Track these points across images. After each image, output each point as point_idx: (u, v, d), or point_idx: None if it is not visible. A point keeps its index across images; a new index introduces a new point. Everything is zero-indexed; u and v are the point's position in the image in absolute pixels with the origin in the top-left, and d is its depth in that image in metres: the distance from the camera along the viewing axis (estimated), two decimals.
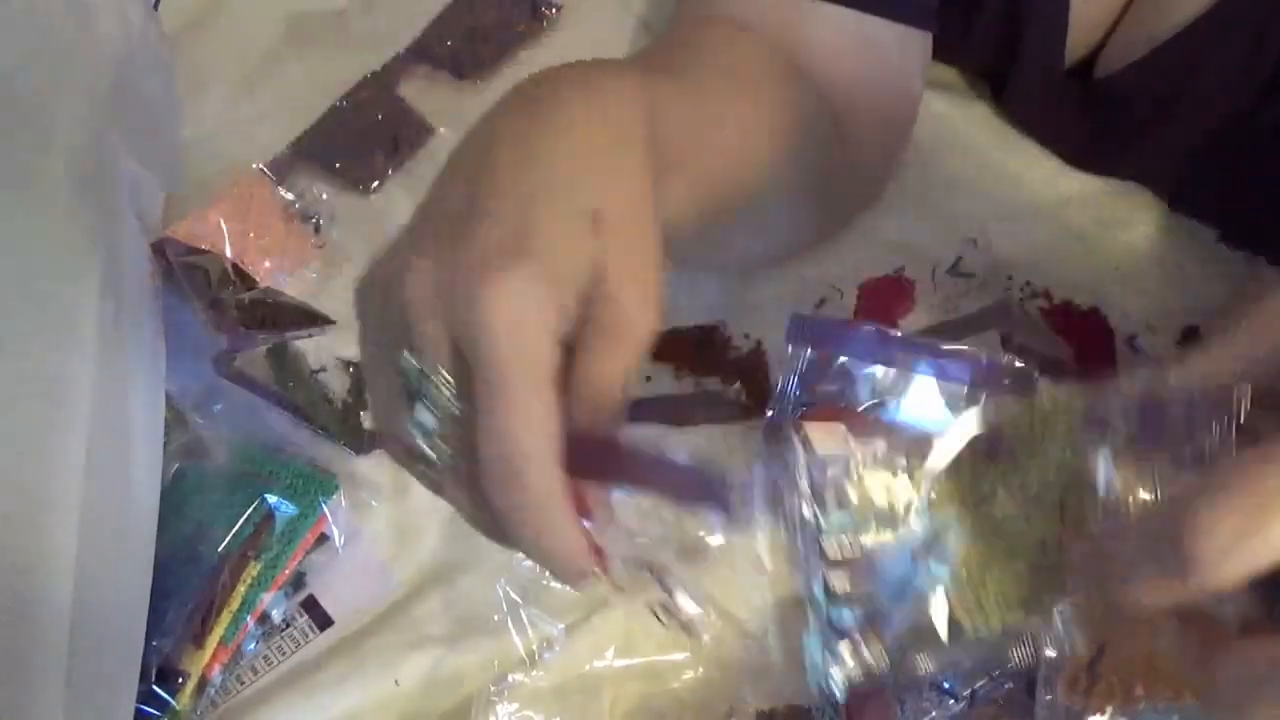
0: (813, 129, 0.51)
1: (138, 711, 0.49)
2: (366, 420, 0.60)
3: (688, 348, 0.60)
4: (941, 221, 0.62)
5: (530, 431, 0.30)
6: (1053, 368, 0.56)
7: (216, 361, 0.59)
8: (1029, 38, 0.56)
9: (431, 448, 0.31)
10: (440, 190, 0.34)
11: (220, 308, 0.59)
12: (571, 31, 0.73)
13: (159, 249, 0.60)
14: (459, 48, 0.72)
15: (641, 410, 0.59)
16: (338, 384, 0.61)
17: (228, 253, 0.62)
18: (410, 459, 0.33)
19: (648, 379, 0.60)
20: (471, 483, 0.32)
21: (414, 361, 0.31)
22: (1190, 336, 0.59)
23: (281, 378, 0.59)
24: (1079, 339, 0.59)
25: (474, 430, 0.31)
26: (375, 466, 0.58)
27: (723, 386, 0.59)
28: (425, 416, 0.31)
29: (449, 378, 0.31)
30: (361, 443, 0.58)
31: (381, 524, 0.57)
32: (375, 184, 0.67)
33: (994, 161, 0.65)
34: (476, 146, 0.35)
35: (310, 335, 0.61)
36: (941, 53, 0.60)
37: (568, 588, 0.53)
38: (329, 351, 0.62)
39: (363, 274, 0.36)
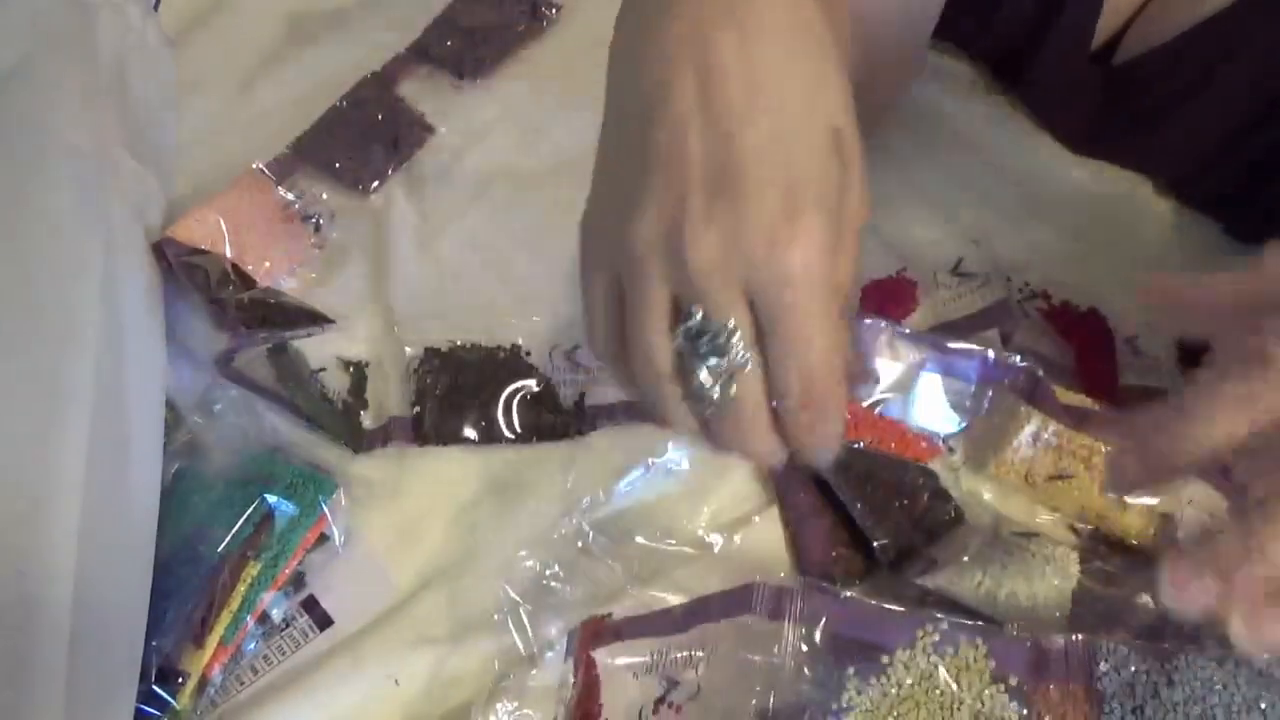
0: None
1: (138, 711, 0.49)
2: (366, 419, 0.60)
3: None
4: (943, 222, 0.63)
5: (839, 356, 0.35)
6: (1052, 368, 0.56)
7: (217, 361, 0.58)
8: (1064, 17, 0.56)
9: (714, 388, 0.35)
10: (666, 128, 0.34)
11: (221, 307, 0.59)
12: (571, 31, 0.73)
13: (159, 249, 0.60)
14: (459, 48, 0.72)
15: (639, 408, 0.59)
16: (337, 383, 0.61)
17: (228, 253, 0.62)
18: (660, 395, 0.37)
19: None
20: (741, 419, 0.36)
21: (698, 316, 0.34)
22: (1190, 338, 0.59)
23: (282, 377, 0.59)
24: (1079, 339, 0.59)
25: (767, 371, 0.35)
26: (375, 466, 0.58)
27: None
28: (712, 361, 0.35)
29: (741, 329, 0.34)
30: (361, 441, 0.58)
31: (381, 524, 0.57)
32: (375, 184, 0.67)
33: (996, 161, 0.65)
34: (679, 70, 0.34)
35: (310, 335, 0.61)
36: (962, 39, 0.60)
37: (585, 581, 0.54)
38: (329, 351, 0.62)
39: (586, 218, 0.38)
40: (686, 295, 0.34)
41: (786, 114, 0.34)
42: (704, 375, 0.35)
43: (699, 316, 0.34)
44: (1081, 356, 0.58)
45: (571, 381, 0.59)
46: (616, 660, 0.51)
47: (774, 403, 0.36)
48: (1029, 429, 0.54)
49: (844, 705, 0.46)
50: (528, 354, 0.60)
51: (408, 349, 0.61)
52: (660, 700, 0.50)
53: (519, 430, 0.58)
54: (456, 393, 0.59)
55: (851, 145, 0.36)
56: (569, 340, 0.61)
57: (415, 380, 0.60)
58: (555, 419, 0.58)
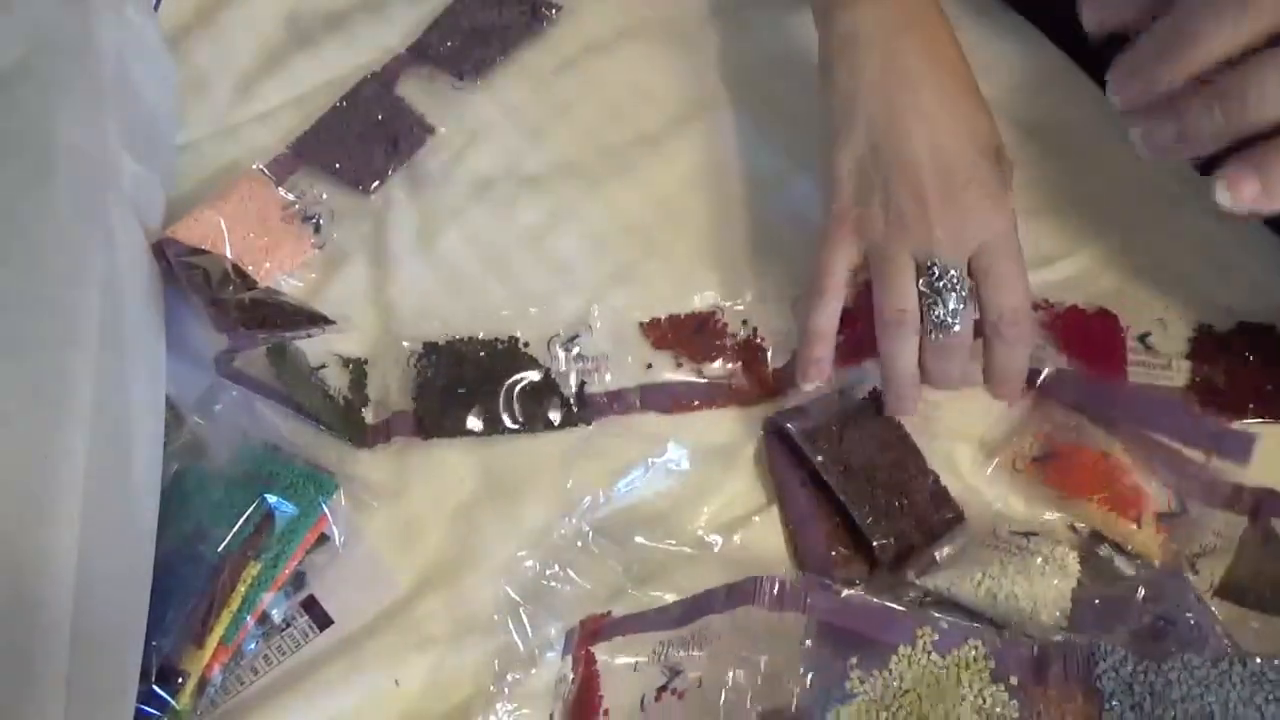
0: None
1: (138, 711, 0.49)
2: (368, 414, 0.60)
3: (686, 335, 0.61)
4: None
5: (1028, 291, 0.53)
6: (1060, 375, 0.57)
7: (217, 361, 0.59)
8: None
9: (953, 321, 0.52)
10: (902, 160, 0.53)
11: (221, 308, 0.59)
12: (571, 31, 0.73)
13: (159, 249, 0.60)
14: (459, 48, 0.72)
15: (647, 397, 0.59)
16: (337, 380, 0.61)
17: (228, 253, 0.62)
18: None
19: (649, 366, 0.60)
20: (963, 342, 0.53)
21: (939, 273, 0.52)
22: (1205, 334, 0.59)
23: (282, 376, 0.59)
24: (1083, 340, 0.59)
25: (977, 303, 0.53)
26: (376, 466, 0.58)
27: (724, 369, 0.60)
28: (952, 299, 0.52)
29: (966, 280, 0.52)
30: (364, 436, 0.59)
31: (381, 524, 0.57)
32: (375, 184, 0.67)
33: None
34: (901, 118, 0.53)
35: (310, 335, 0.61)
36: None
37: (585, 581, 0.54)
38: (327, 349, 0.62)
39: (834, 214, 0.55)
40: (925, 259, 0.52)
41: (971, 144, 0.53)
42: (948, 307, 0.52)
43: (940, 271, 0.52)
44: (1090, 359, 0.58)
45: (572, 372, 0.60)
46: (617, 655, 0.51)
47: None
48: None
49: (847, 692, 0.46)
50: (526, 345, 0.61)
51: (406, 343, 0.61)
52: (663, 689, 0.50)
53: (521, 421, 0.58)
54: (458, 386, 0.59)
55: (1005, 154, 0.54)
56: (567, 331, 0.61)
57: (416, 374, 0.60)
58: (557, 409, 0.59)
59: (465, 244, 0.65)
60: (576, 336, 0.61)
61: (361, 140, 0.68)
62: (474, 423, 0.58)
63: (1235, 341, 0.59)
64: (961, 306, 0.52)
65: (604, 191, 0.67)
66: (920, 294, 0.52)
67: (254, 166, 0.67)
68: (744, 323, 0.61)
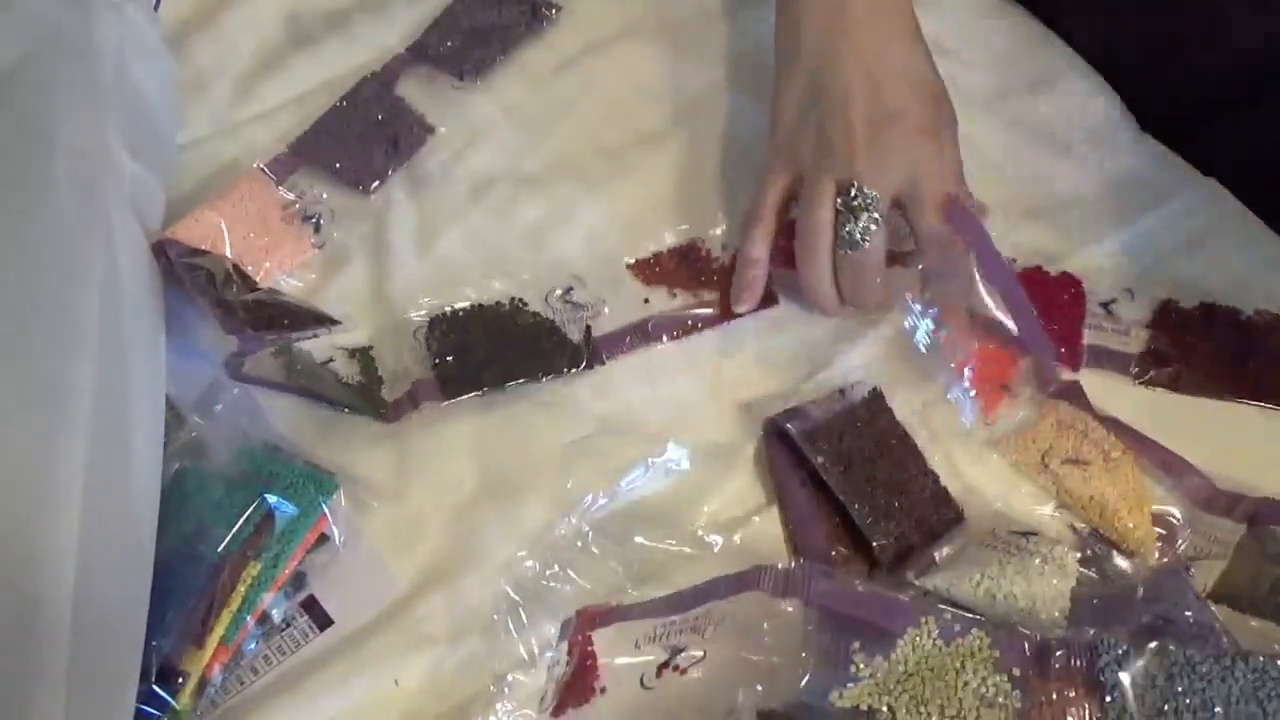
0: None
1: (138, 711, 0.49)
2: (386, 392, 0.60)
3: (674, 266, 0.64)
4: None
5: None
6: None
7: (226, 365, 0.59)
8: None
9: (862, 238, 0.56)
10: (839, 95, 0.56)
11: (227, 309, 0.59)
12: (571, 31, 0.73)
13: (159, 249, 0.60)
14: (459, 48, 0.72)
15: (655, 328, 0.61)
16: (347, 371, 0.61)
17: (228, 253, 0.62)
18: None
19: (646, 300, 0.63)
20: (873, 261, 0.56)
21: (854, 192, 0.55)
22: (1169, 308, 0.60)
23: (294, 374, 0.60)
24: (1046, 298, 0.60)
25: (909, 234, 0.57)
26: (375, 466, 0.58)
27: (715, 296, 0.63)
28: (864, 218, 0.55)
29: (882, 204, 0.55)
30: (387, 413, 0.59)
31: (381, 524, 0.57)
32: (375, 184, 0.67)
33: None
34: (843, 62, 0.57)
35: (316, 335, 0.61)
36: None
37: (585, 581, 0.54)
38: (330, 344, 0.62)
39: (777, 140, 0.60)
40: (845, 182, 0.55)
41: (906, 81, 0.56)
42: (858, 223, 0.55)
43: (856, 191, 0.55)
44: (1049, 316, 0.59)
45: (574, 319, 0.62)
46: (616, 637, 0.51)
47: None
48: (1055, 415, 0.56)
49: (851, 676, 0.46)
50: (524, 304, 0.62)
51: (414, 315, 0.62)
52: (664, 665, 0.50)
53: (537, 373, 0.60)
54: (471, 345, 0.60)
55: (946, 100, 0.58)
56: (561, 284, 0.63)
57: (427, 344, 0.61)
58: (566, 355, 0.60)
59: (465, 244, 0.65)
60: (571, 289, 0.62)
61: (361, 140, 0.68)
62: (492, 378, 0.59)
63: (1198, 320, 0.60)
64: (873, 227, 0.55)
65: (604, 191, 0.67)
66: (836, 213, 0.56)
67: (254, 166, 0.67)
68: (724, 247, 0.64)
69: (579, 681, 0.50)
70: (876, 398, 0.57)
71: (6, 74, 0.56)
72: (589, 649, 0.51)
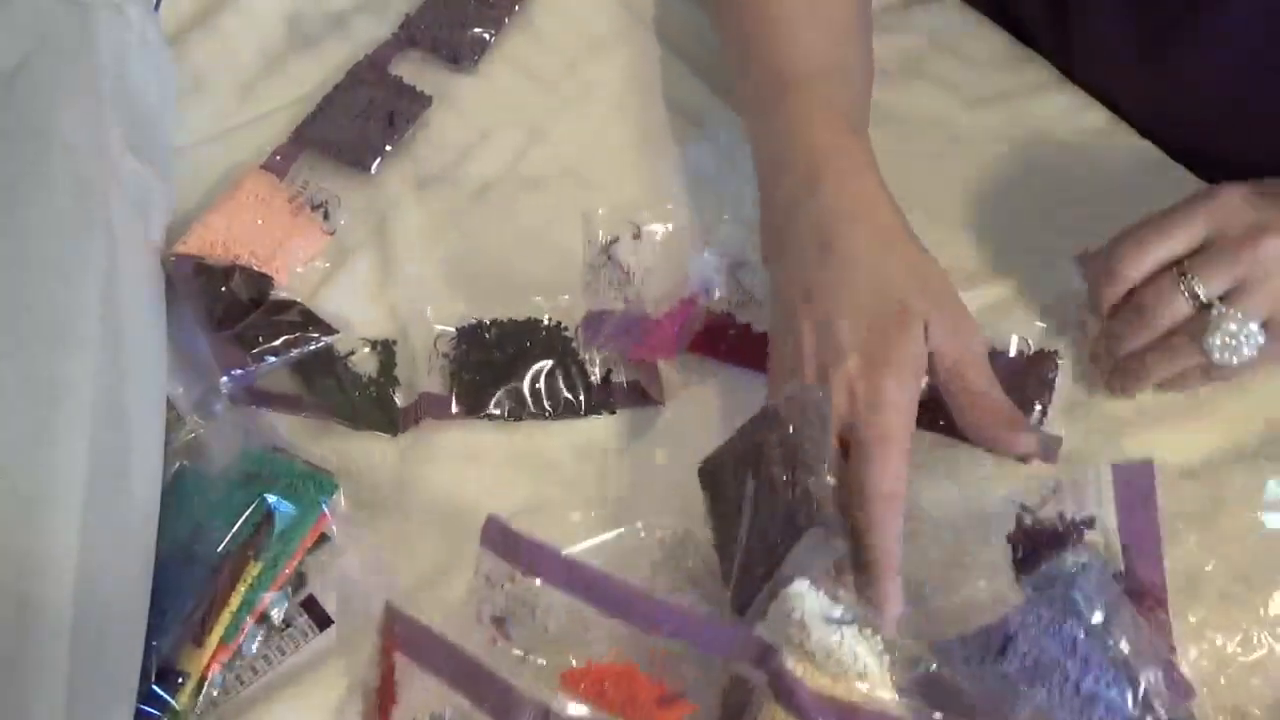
0: None
1: (138, 711, 0.49)
2: (399, 396, 0.60)
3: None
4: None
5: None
6: None
7: (231, 396, 0.58)
8: None
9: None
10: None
11: (224, 341, 0.59)
12: (554, 18, 0.73)
13: (165, 265, 0.60)
14: (446, 35, 0.72)
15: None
16: (367, 365, 0.61)
17: (240, 254, 0.62)
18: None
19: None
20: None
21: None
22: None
23: (306, 380, 0.60)
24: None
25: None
26: (375, 467, 0.58)
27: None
28: None
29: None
30: (396, 423, 0.59)
31: (382, 524, 0.57)
32: (376, 161, 0.67)
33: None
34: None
35: (316, 345, 0.61)
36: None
37: None
38: (354, 335, 0.62)
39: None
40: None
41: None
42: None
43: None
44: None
45: (600, 360, 0.60)
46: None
47: None
48: None
49: None
50: (565, 329, 0.61)
51: (437, 326, 0.61)
52: None
53: (546, 408, 0.59)
54: (489, 368, 0.60)
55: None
56: (607, 235, 0.63)
57: (453, 356, 0.60)
58: (580, 396, 0.59)
59: (465, 242, 0.65)
60: (616, 240, 0.62)
61: (357, 119, 0.68)
62: (500, 407, 0.59)
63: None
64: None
65: (604, 191, 0.67)
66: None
67: (258, 166, 0.67)
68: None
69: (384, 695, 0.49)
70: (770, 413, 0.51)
71: (6, 74, 0.56)
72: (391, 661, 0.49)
